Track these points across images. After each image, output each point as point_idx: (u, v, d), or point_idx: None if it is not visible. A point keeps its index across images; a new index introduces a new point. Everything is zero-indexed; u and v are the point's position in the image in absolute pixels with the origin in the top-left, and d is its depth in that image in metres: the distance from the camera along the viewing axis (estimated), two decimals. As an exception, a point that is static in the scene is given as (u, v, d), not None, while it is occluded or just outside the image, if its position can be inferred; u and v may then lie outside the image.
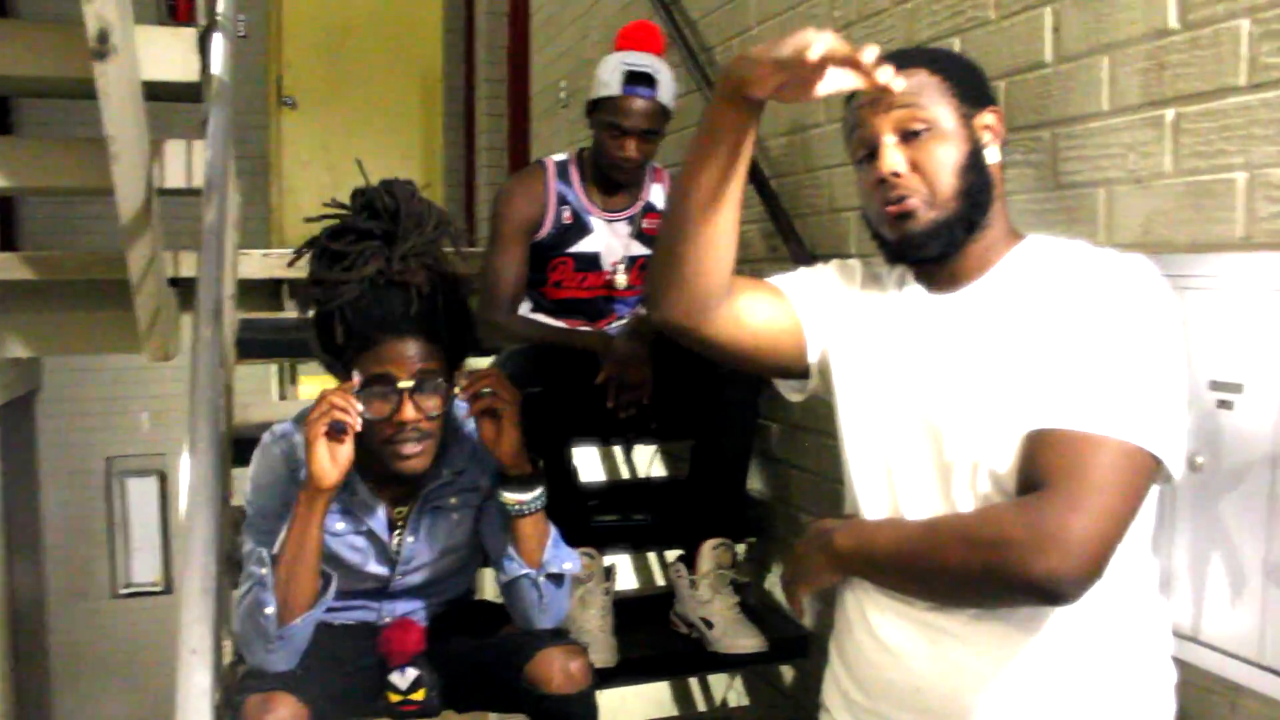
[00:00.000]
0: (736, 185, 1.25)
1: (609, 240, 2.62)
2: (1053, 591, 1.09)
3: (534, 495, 1.79)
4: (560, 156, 2.66)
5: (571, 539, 2.30)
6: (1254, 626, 1.39)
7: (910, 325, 1.34)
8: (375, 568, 1.88)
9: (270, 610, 1.66)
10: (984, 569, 1.13)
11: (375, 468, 1.80)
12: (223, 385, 1.90)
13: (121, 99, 2.21)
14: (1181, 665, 1.48)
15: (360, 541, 1.86)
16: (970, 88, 1.31)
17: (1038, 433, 1.16)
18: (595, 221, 2.60)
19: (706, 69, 2.91)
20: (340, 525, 1.82)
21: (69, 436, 6.44)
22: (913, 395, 1.30)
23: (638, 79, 2.42)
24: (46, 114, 5.75)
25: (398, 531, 1.86)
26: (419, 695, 1.81)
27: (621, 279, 2.62)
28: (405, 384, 1.70)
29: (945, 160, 1.26)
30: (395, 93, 6.71)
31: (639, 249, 2.64)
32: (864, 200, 1.35)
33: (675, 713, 3.15)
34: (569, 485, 2.35)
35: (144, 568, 6.47)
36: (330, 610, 1.89)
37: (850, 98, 1.32)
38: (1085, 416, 1.13)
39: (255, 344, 2.92)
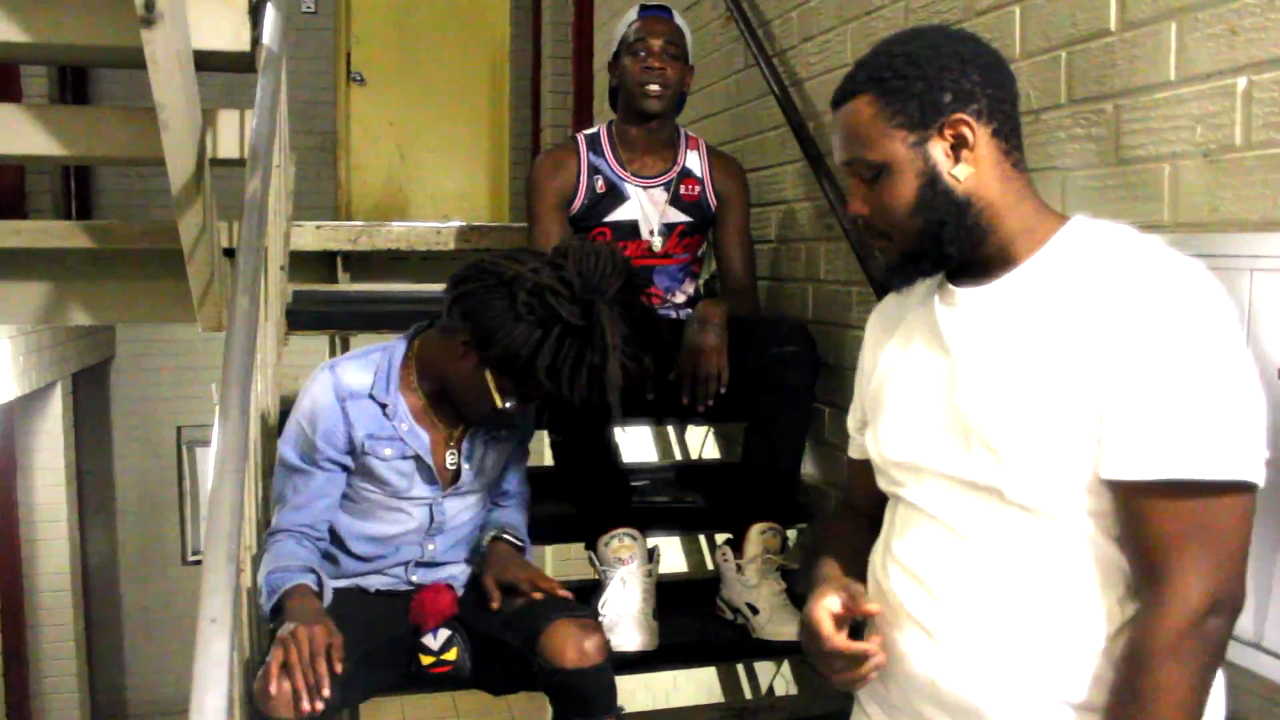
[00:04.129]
0: None
1: (646, 207, 2.58)
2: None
3: None
4: (591, 130, 2.67)
5: (613, 519, 2.28)
6: (1319, 634, 1.30)
7: (941, 333, 1.24)
8: (422, 490, 1.95)
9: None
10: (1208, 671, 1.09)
11: (443, 408, 1.93)
12: (255, 355, 1.89)
13: (170, 67, 2.20)
14: (1243, 673, 1.40)
15: (406, 466, 1.92)
16: (922, 104, 1.16)
17: (1151, 485, 1.06)
18: (630, 189, 2.56)
19: (765, 43, 2.83)
20: (388, 451, 1.89)
21: (141, 405, 6.58)
22: (955, 434, 1.20)
23: (653, 8, 2.58)
24: (120, 86, 5.85)
25: (451, 451, 1.95)
26: (451, 655, 1.84)
27: (658, 242, 2.57)
28: (513, 406, 1.88)
29: (896, 203, 1.19)
30: (463, 69, 6.70)
31: (675, 215, 2.59)
32: None
33: (723, 698, 3.10)
34: (609, 465, 2.30)
35: (211, 536, 6.54)
36: (365, 574, 1.96)
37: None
38: (1200, 463, 1.04)
39: (307, 315, 2.92)
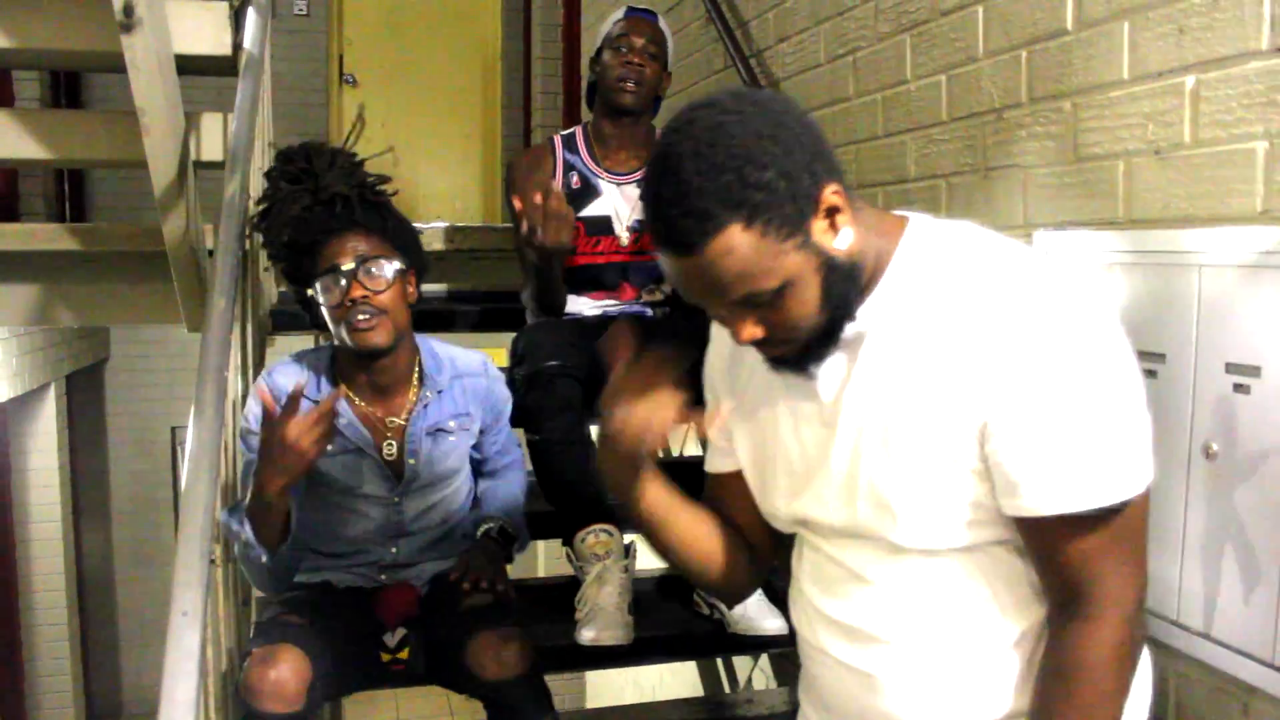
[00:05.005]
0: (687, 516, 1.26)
1: (618, 203, 2.60)
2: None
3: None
4: (567, 130, 2.72)
5: (589, 516, 2.30)
6: (1268, 625, 1.32)
7: (811, 383, 1.14)
8: (375, 487, 1.96)
9: (264, 558, 1.78)
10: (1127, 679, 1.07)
11: (359, 379, 1.97)
12: (230, 354, 1.91)
13: (150, 72, 2.22)
14: (1192, 663, 1.42)
15: (351, 460, 1.94)
16: (795, 201, 1.00)
17: (1053, 520, 1.03)
18: (604, 185, 2.59)
19: (742, 44, 2.86)
20: (329, 447, 1.87)
21: (135, 406, 6.60)
22: (840, 490, 1.14)
23: (640, 10, 2.61)
24: (113, 90, 5.87)
25: (388, 442, 1.96)
26: (404, 655, 1.86)
27: (625, 237, 2.59)
28: (348, 266, 1.87)
29: (803, 311, 1.05)
30: (455, 71, 6.73)
31: None
32: None
33: (704, 693, 3.13)
34: (585, 462, 2.32)
35: (205, 536, 6.57)
36: (336, 568, 1.97)
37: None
38: (1110, 489, 1.01)
39: (291, 316, 2.94)
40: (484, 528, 2.04)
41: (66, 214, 5.94)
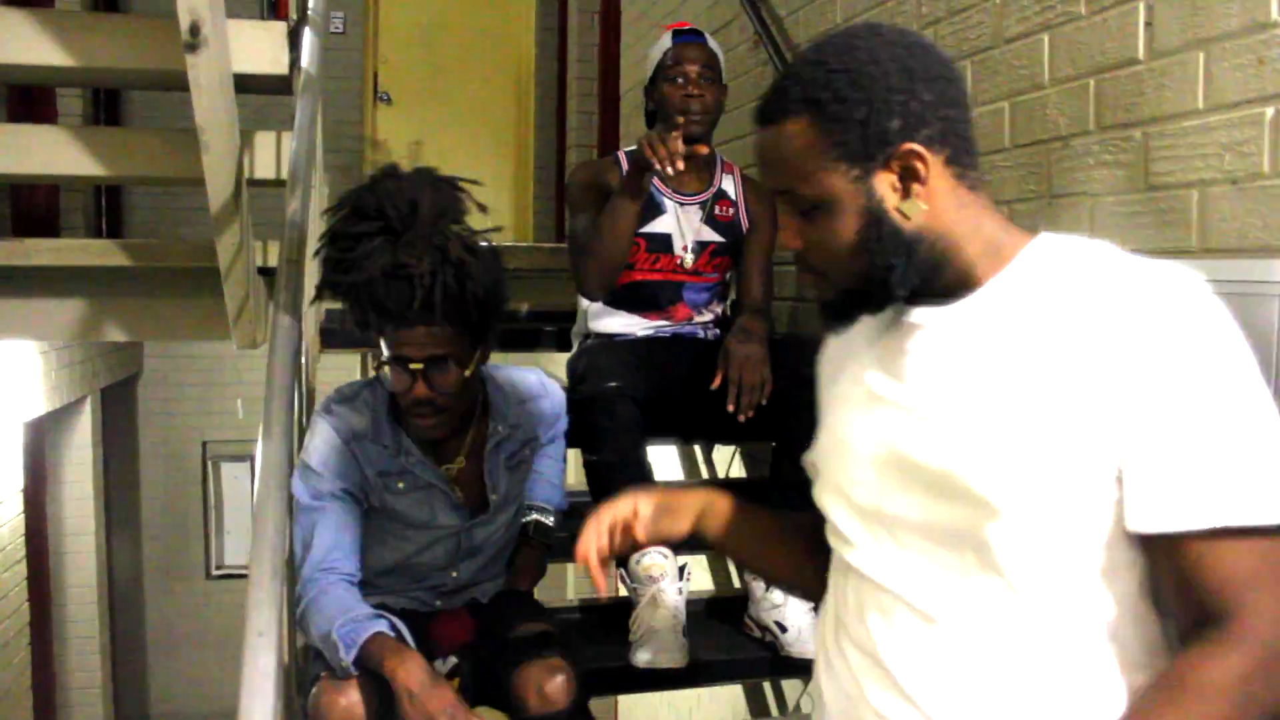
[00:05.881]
0: None
1: (681, 223, 2.62)
2: None
3: None
4: (633, 147, 2.68)
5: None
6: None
7: (900, 367, 1.10)
8: (448, 518, 1.93)
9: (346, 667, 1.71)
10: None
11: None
12: (295, 373, 1.93)
13: (212, 91, 2.25)
14: None
15: (422, 496, 1.91)
16: (865, 133, 1.00)
17: (1211, 532, 0.94)
18: (668, 203, 2.60)
19: (792, 65, 2.87)
20: (401, 484, 1.89)
21: (167, 420, 6.65)
22: (927, 487, 1.05)
23: (686, 34, 2.59)
24: (152, 108, 5.94)
25: (453, 487, 1.92)
26: (454, 684, 1.83)
27: (690, 259, 2.61)
28: (415, 366, 1.78)
29: (835, 242, 1.05)
30: (489, 89, 6.77)
31: (709, 234, 2.63)
32: None
33: (748, 715, 3.12)
34: (643, 484, 2.33)
35: (236, 550, 6.63)
36: (393, 591, 1.96)
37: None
38: (1251, 505, 0.93)
39: (340, 334, 2.97)
40: (525, 520, 2.05)
41: (104, 229, 5.99)
